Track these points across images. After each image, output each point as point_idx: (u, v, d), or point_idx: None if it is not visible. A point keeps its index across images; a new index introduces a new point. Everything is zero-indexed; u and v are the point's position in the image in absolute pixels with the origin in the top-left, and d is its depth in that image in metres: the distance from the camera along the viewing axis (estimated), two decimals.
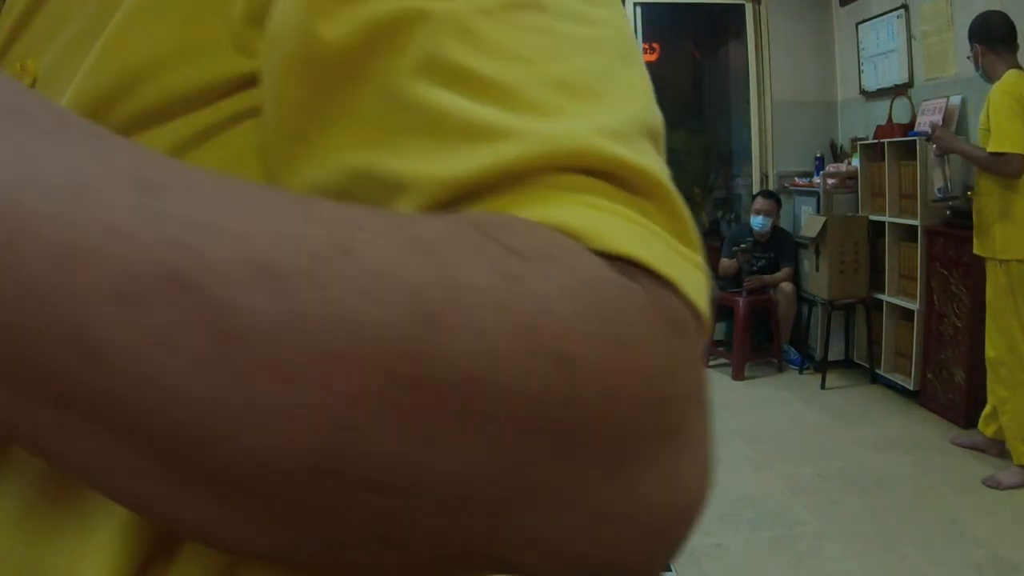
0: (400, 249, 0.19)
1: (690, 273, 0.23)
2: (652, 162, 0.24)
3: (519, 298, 0.19)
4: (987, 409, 2.76)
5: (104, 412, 0.17)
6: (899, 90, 3.96)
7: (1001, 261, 2.65)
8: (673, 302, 0.21)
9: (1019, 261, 2.62)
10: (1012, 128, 2.54)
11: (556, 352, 0.19)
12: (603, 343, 0.19)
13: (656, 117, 0.27)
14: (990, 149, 2.59)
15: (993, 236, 2.66)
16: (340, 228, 0.19)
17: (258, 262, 0.17)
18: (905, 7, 3.87)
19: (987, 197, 2.70)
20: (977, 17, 2.84)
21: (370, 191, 0.24)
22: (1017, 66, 2.66)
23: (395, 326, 0.18)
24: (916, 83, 3.86)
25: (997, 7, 3.16)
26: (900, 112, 3.91)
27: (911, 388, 3.52)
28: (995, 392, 2.70)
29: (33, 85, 0.31)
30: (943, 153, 2.94)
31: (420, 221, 0.20)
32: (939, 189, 3.02)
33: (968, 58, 2.87)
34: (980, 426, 2.79)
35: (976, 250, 2.76)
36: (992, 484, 2.61)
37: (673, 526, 0.22)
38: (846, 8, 4.52)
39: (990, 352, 2.72)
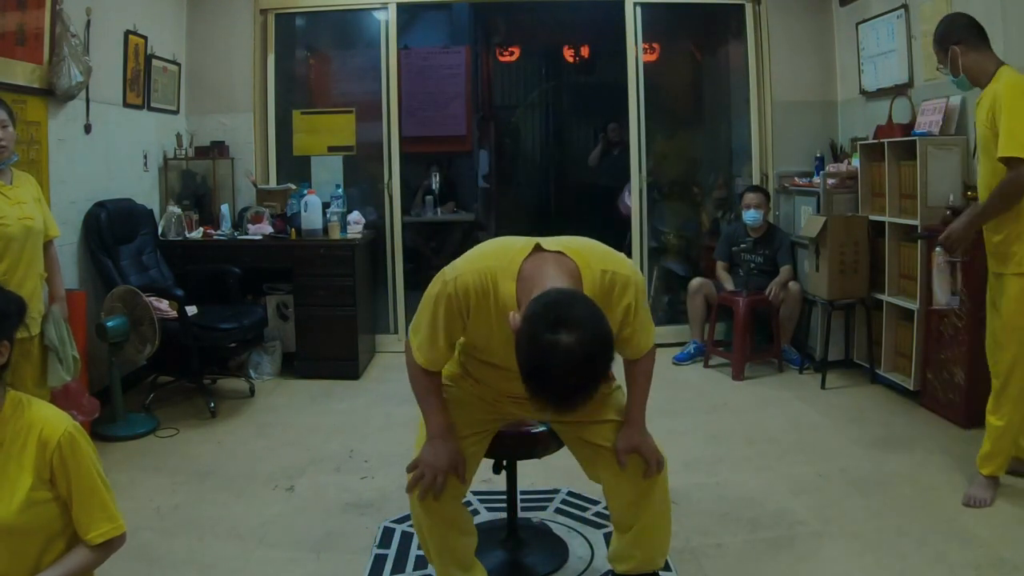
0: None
1: None
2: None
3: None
4: (985, 447, 2.48)
5: None
6: (899, 90, 3.96)
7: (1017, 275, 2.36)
8: None
9: None
10: None
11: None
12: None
13: None
14: (1004, 153, 2.25)
15: (1011, 254, 2.36)
16: None
17: None
18: (905, 7, 3.87)
19: (1000, 222, 2.37)
20: (943, 21, 2.52)
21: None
22: (1000, 61, 2.41)
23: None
24: (916, 83, 3.86)
25: (996, 8, 3.16)
26: (900, 112, 3.91)
27: (911, 388, 3.53)
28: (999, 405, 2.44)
29: None
30: (958, 250, 2.48)
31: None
32: (948, 302, 2.56)
33: (938, 68, 2.59)
34: (979, 466, 2.50)
35: (994, 268, 2.47)
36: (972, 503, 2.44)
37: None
38: (846, 8, 4.52)
39: (1002, 363, 2.42)
